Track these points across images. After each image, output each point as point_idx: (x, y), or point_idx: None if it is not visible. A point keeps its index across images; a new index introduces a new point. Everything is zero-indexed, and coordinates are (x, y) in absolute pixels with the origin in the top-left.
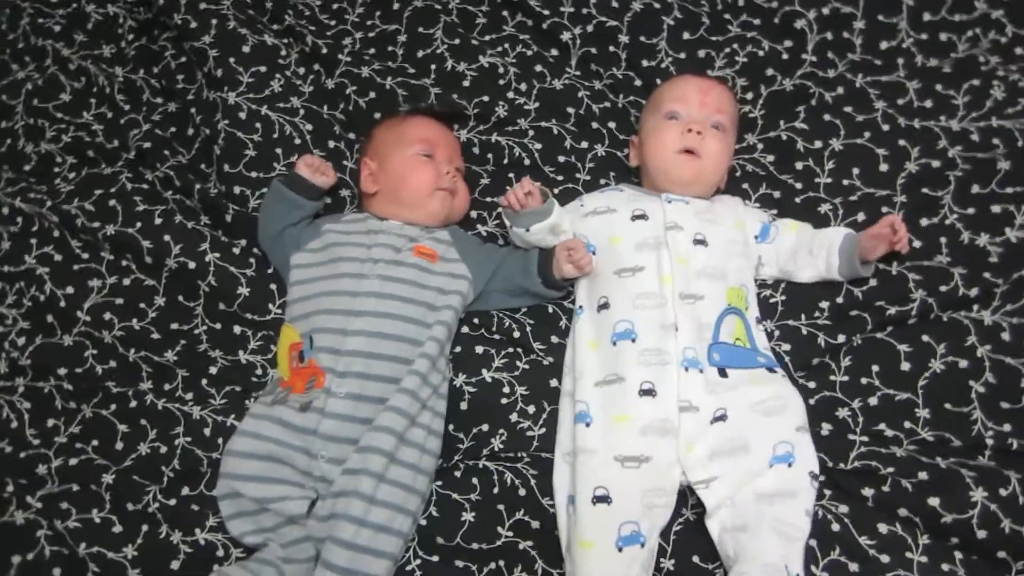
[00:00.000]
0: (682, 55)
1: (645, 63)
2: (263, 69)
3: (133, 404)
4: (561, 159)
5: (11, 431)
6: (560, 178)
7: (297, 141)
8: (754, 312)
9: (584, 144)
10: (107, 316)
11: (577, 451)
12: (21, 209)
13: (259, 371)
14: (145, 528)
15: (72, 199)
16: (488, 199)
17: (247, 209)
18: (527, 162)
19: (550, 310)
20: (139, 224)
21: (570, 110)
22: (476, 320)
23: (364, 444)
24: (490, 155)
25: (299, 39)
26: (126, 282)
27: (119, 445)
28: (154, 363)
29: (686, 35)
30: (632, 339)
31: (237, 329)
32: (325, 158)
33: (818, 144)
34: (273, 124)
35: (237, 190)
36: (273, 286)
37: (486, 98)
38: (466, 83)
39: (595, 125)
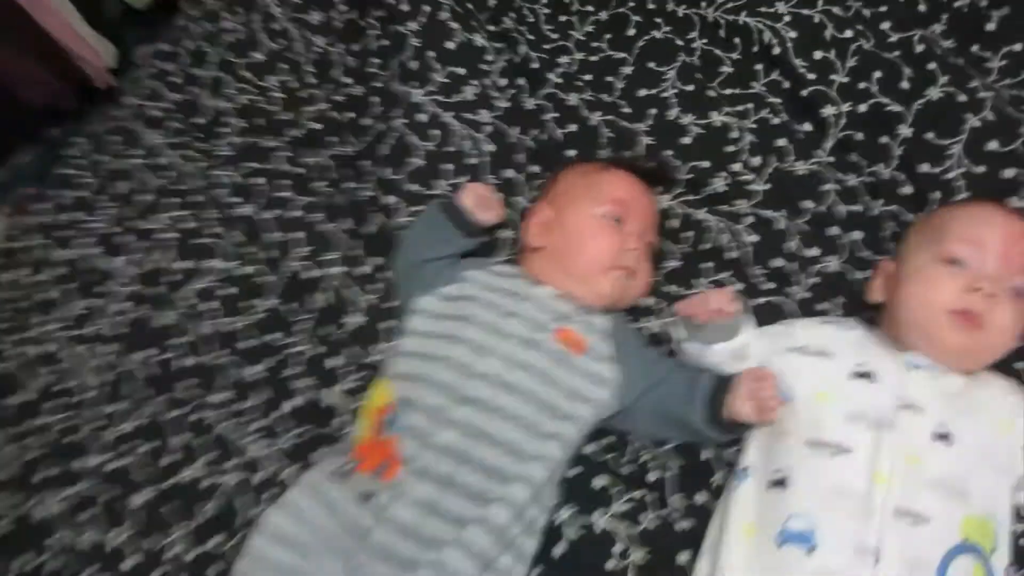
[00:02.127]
0: (981, 168)
1: (926, 167)
2: (462, 71)
3: (193, 417)
4: (779, 263)
5: (69, 405)
6: (769, 286)
7: (473, 160)
8: (1004, 558)
9: (814, 251)
10: (213, 305)
11: None
12: (175, 165)
13: (336, 423)
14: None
15: (225, 167)
16: (672, 288)
17: (392, 223)
18: (734, 254)
19: (704, 456)
20: (278, 211)
21: (807, 204)
22: (607, 440)
23: None
24: (690, 234)
25: (512, 46)
26: (248, 270)
27: (164, 461)
28: (233, 374)
29: (993, 145)
30: (808, 548)
31: (330, 362)
32: (498, 188)
33: None
34: (452, 134)
35: (391, 199)
36: (384, 325)
37: (706, 164)
38: (687, 139)
39: (835, 230)
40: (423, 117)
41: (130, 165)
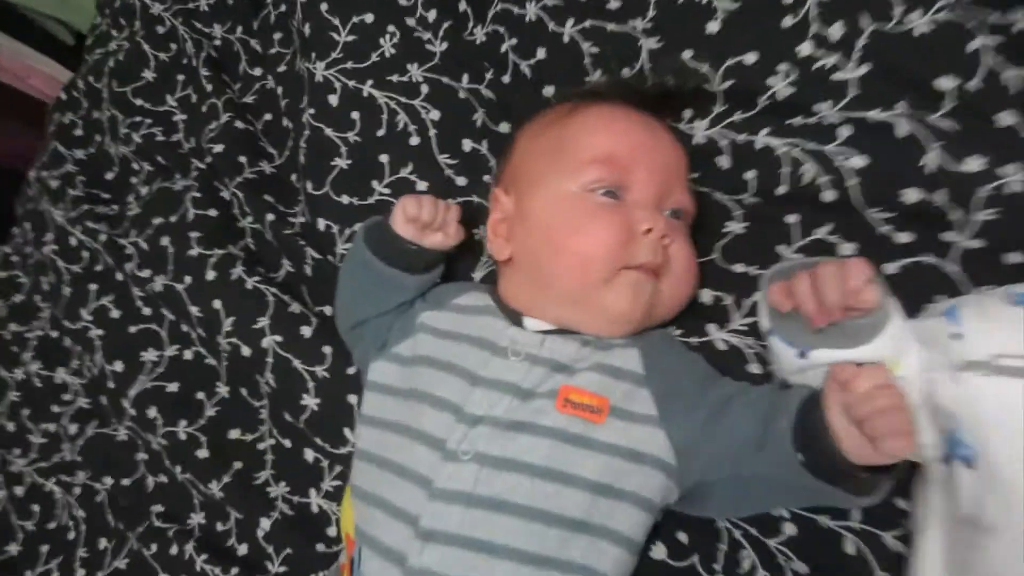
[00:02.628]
0: None
1: None
2: (369, 19)
3: (174, 550)
4: (914, 195)
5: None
6: (904, 238)
7: (414, 141)
8: None
9: (977, 161)
10: (151, 413)
11: None
12: (84, 242)
13: (332, 531)
14: None
15: (128, 232)
16: (737, 267)
17: (332, 258)
18: (831, 195)
19: (851, 548)
20: (188, 279)
21: (946, 82)
22: (683, 536)
23: None
24: (751, 173)
25: None
26: (188, 356)
27: None
28: (203, 492)
29: None
30: None
31: (309, 455)
32: (457, 170)
33: None
34: (377, 112)
35: (321, 225)
36: (353, 399)
37: (753, 56)
38: (714, 24)
39: (1005, 118)
40: (333, 99)
41: (45, 255)
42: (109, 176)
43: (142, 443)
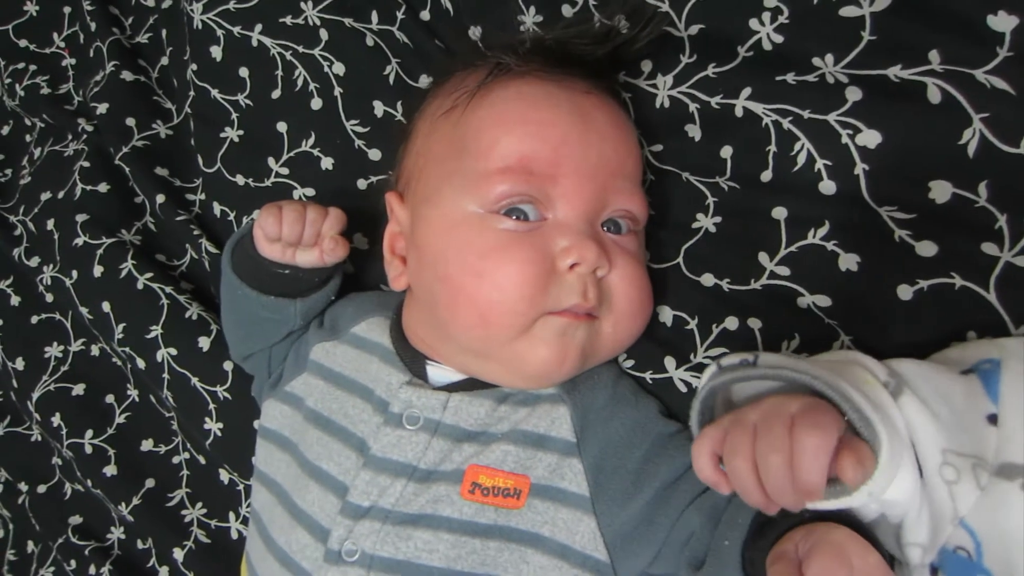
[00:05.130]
0: None
1: None
2: None
3: (92, 571)
4: (912, 193)
5: None
6: (928, 252)
7: (316, 103)
8: None
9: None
10: (55, 420)
11: None
12: None
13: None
14: None
15: (20, 205)
16: (706, 279)
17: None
18: (832, 186)
19: None
20: (74, 273)
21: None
22: None
23: None
24: (729, 150)
25: None
26: (94, 352)
27: None
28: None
29: None
30: None
31: (224, 476)
32: (366, 139)
33: None
34: (270, 67)
35: (216, 210)
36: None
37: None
38: None
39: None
40: (216, 51)
41: None
42: (5, 131)
43: (55, 447)
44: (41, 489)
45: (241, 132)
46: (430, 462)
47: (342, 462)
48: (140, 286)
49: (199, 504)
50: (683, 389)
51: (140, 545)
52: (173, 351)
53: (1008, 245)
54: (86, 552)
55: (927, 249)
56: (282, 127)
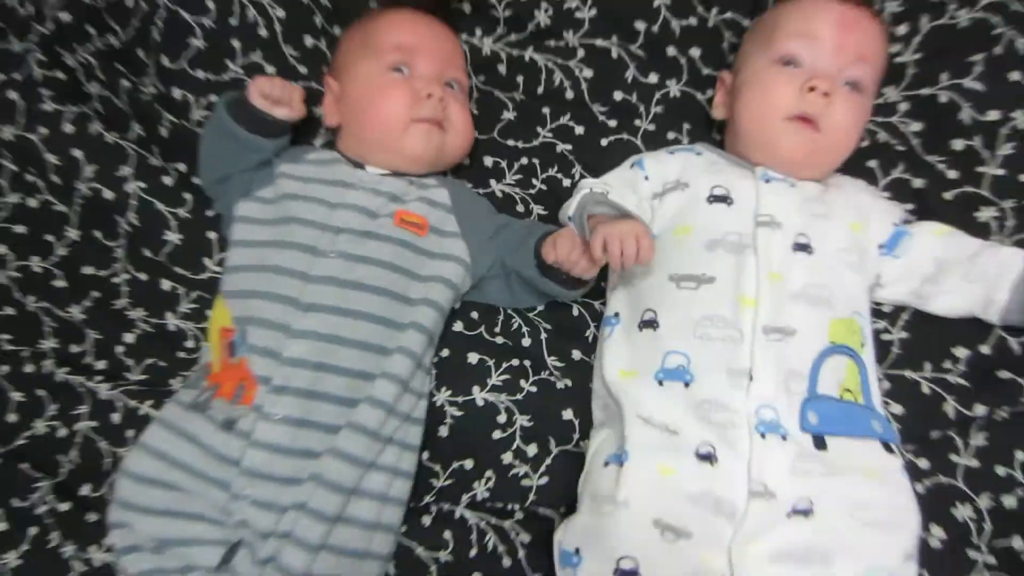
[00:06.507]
0: None
1: None
2: None
3: (30, 368)
4: (618, 96)
5: None
6: (612, 123)
7: (264, 33)
8: (872, 353)
9: (653, 77)
10: (2, 249)
11: (602, 500)
12: None
13: (190, 343)
14: (33, 532)
15: None
16: (510, 141)
17: (188, 121)
18: (570, 95)
19: (575, 312)
20: (43, 130)
21: (639, 25)
22: (474, 314)
23: (301, 500)
24: (520, 78)
25: None
26: (32, 204)
27: (11, 418)
28: (59, 317)
29: None
30: (686, 382)
31: (166, 284)
32: (299, 61)
33: (993, 115)
34: (232, 2)
35: (177, 94)
36: (212, 235)
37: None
38: None
39: (672, 51)
40: None
41: None
42: None
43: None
44: None
45: (205, 44)
46: (375, 207)
47: (318, 212)
48: (109, 140)
49: (140, 308)
50: (500, 196)
51: (76, 348)
52: (143, 184)
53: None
54: (22, 355)
55: (612, 123)
56: (236, 44)
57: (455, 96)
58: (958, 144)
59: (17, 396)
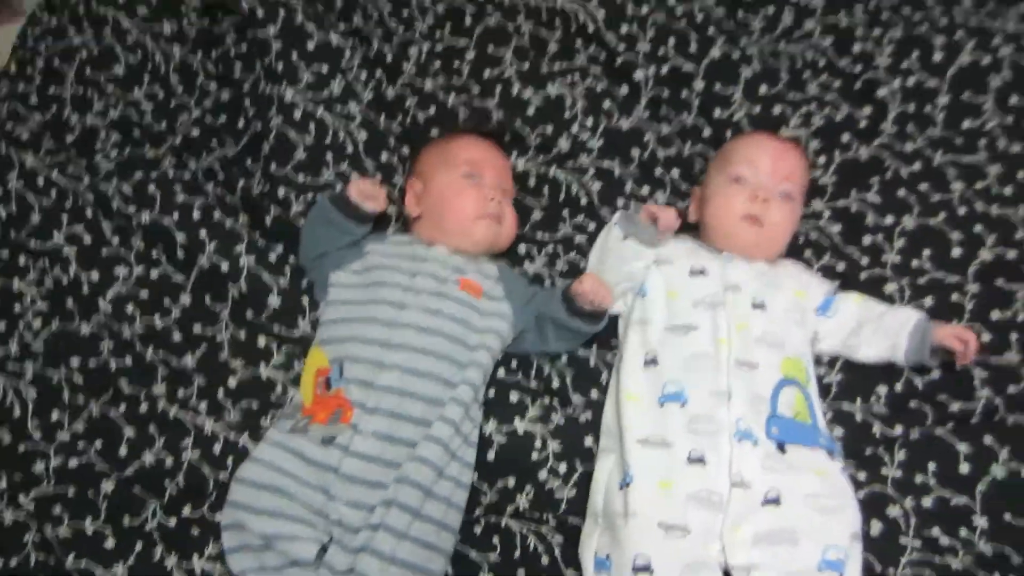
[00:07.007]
0: (757, 109)
1: (718, 112)
2: (324, 69)
3: (144, 407)
4: (619, 203)
5: (13, 420)
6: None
7: (349, 149)
8: (815, 388)
9: (645, 189)
10: (129, 309)
11: (615, 514)
12: (57, 183)
13: (279, 389)
14: (139, 547)
15: (111, 179)
16: (538, 234)
17: (289, 213)
18: (584, 201)
19: (592, 363)
20: (176, 215)
21: (634, 152)
22: (514, 364)
23: (389, 497)
24: (546, 188)
25: (365, 42)
26: (154, 275)
27: (123, 450)
28: (171, 366)
29: (763, 89)
30: (681, 403)
31: (262, 341)
32: (377, 169)
33: (889, 219)
34: (327, 127)
35: (281, 192)
36: (306, 300)
37: (549, 129)
38: (531, 111)
39: (658, 172)
40: (297, 114)
41: (8, 189)
42: (71, 139)
43: (114, 332)
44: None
45: (304, 155)
46: (444, 275)
47: (400, 277)
48: (227, 227)
49: (239, 359)
50: (532, 272)
51: (183, 392)
52: (252, 258)
53: None
54: (140, 396)
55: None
56: (329, 157)
57: (507, 200)
58: (867, 240)
59: (130, 431)
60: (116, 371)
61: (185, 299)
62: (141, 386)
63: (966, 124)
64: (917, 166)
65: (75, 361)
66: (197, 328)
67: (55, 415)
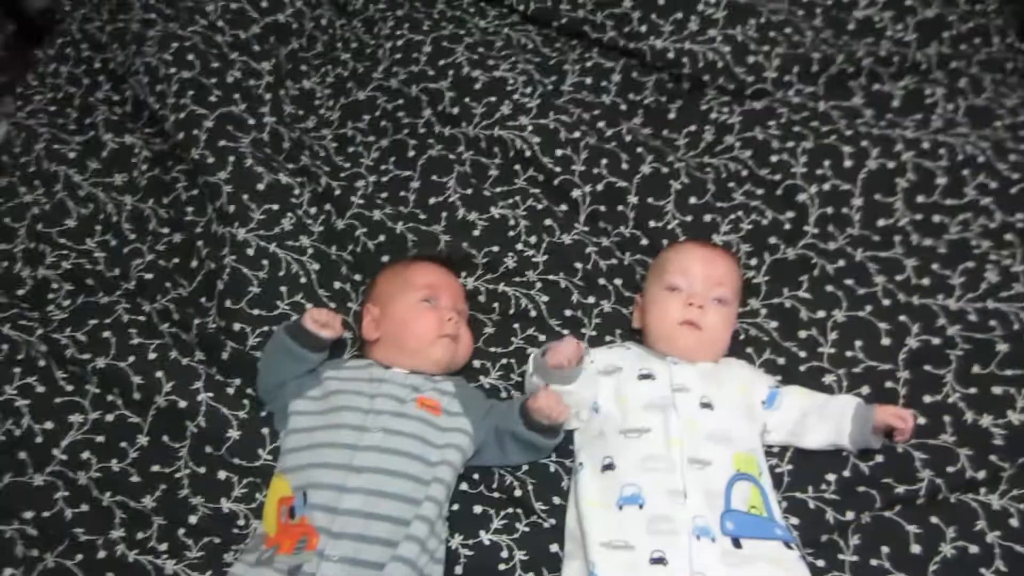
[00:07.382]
0: (688, 218)
1: (652, 223)
2: (275, 207)
3: (102, 555)
4: (567, 313)
5: None
6: (566, 332)
7: (303, 280)
8: (768, 480)
9: (591, 299)
10: (85, 455)
11: None
12: (9, 336)
13: (241, 521)
14: None
15: (64, 328)
16: (492, 349)
17: (245, 347)
18: (533, 314)
19: (552, 469)
20: (132, 358)
21: (577, 265)
22: (476, 476)
23: None
24: (496, 304)
25: (313, 179)
26: (109, 418)
27: None
28: (129, 508)
29: (692, 200)
30: (639, 504)
31: (222, 474)
32: (330, 299)
33: (821, 314)
34: (280, 262)
35: (237, 327)
36: (265, 430)
37: (496, 248)
38: (476, 232)
39: (602, 281)
40: (250, 251)
41: None
42: (21, 292)
43: (64, 483)
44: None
45: (259, 289)
46: (402, 396)
47: (360, 401)
48: (184, 363)
49: (199, 496)
50: (487, 386)
51: (142, 535)
52: (211, 394)
53: None
54: (96, 544)
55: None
56: (283, 289)
57: (462, 320)
58: (803, 334)
59: None
60: (71, 519)
61: (142, 440)
62: (98, 533)
63: (880, 223)
64: (841, 262)
65: (28, 514)
66: (155, 468)
67: (7, 572)
